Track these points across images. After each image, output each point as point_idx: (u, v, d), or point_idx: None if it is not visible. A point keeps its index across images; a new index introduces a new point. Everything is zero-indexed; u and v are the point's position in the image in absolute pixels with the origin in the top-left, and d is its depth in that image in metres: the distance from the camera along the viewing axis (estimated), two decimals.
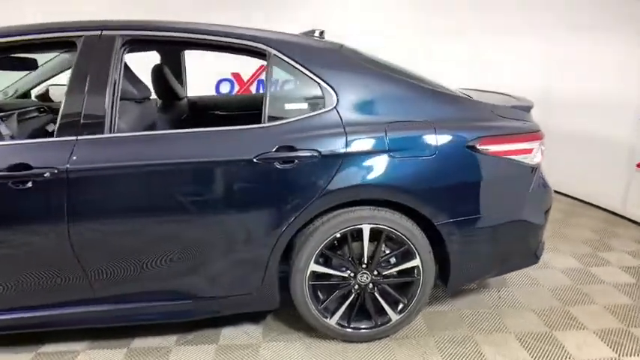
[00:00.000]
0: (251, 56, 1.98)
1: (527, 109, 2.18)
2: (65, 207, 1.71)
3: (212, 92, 6.24)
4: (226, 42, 1.91)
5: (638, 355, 1.96)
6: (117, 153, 1.75)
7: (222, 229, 1.83)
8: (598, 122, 3.56)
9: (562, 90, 3.91)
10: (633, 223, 3.42)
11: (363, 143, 1.84)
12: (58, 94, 3.03)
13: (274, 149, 1.79)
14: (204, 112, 3.07)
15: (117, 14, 2.11)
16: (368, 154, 1.84)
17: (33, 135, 2.28)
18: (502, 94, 2.44)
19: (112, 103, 1.78)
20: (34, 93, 3.01)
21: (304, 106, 1.91)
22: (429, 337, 2.08)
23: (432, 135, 1.88)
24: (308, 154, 1.79)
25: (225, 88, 6.23)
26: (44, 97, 3.05)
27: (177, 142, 1.81)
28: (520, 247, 2.14)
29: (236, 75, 6.18)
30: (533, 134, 2.03)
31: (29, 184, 1.68)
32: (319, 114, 1.87)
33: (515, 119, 2.08)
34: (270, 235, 1.85)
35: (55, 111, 2.57)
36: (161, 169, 1.77)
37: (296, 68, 1.90)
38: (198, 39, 1.90)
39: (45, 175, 1.67)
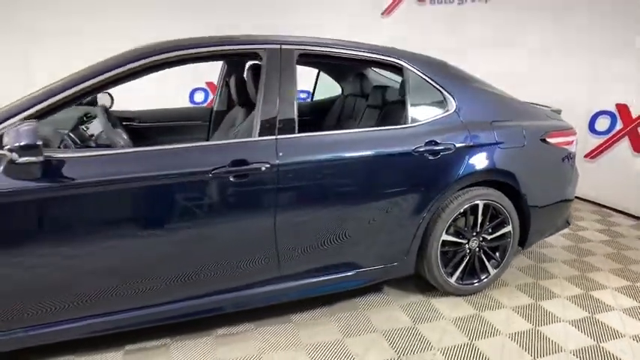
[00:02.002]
0: (389, 70, 2.44)
1: (559, 112, 2.96)
2: (274, 196, 1.98)
3: (186, 101, 6.26)
4: (370, 57, 2.34)
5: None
6: (309, 150, 2.06)
7: (386, 209, 2.24)
8: None
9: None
10: (587, 202, 4.48)
11: (481, 137, 2.41)
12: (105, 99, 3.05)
13: (424, 143, 2.27)
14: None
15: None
16: (485, 145, 2.41)
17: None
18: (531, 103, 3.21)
19: (296, 107, 2.09)
20: None
21: (433, 109, 2.42)
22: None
23: (521, 131, 2.53)
24: (448, 147, 2.31)
25: (199, 97, 6.28)
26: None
27: (351, 140, 2.19)
28: (563, 215, 2.89)
29: (210, 84, 6.28)
30: (572, 130, 2.80)
31: (247, 178, 1.92)
32: (446, 116, 2.40)
33: (558, 119, 2.84)
34: (419, 213, 2.31)
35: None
36: (345, 162, 2.13)
37: (424, 79, 2.41)
38: (352, 55, 2.30)
39: (262, 169, 1.93)
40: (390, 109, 2.91)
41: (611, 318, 2.43)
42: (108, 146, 2.09)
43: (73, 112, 2.37)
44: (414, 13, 5.89)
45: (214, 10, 5.79)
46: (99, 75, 1.80)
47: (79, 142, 2.07)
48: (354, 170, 2.16)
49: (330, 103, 3.69)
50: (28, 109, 1.70)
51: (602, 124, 4.29)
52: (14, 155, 1.54)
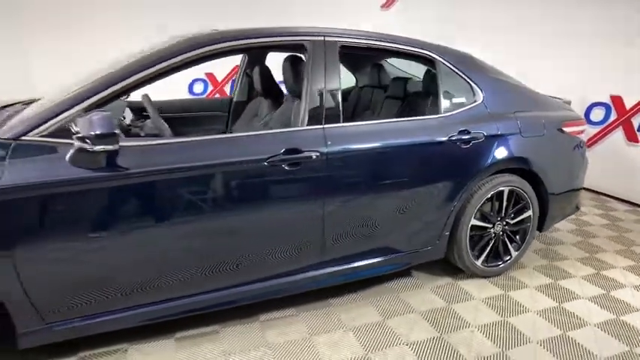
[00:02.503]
0: (421, 62, 2.53)
1: (569, 102, 3.12)
2: (323, 184, 2.05)
3: (185, 92, 6.20)
4: (405, 49, 2.42)
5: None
6: (354, 139, 2.14)
7: (423, 195, 2.34)
8: None
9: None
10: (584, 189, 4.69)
11: (507, 127, 2.53)
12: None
13: (457, 132, 2.37)
14: None
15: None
16: (509, 134, 2.54)
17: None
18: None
19: (340, 97, 2.16)
20: None
21: (463, 100, 2.53)
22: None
23: (541, 120, 2.67)
24: (479, 135, 2.42)
25: (198, 88, 6.24)
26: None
27: (390, 129, 2.27)
28: (575, 200, 3.06)
29: (210, 75, 6.25)
30: (583, 120, 2.97)
31: (299, 166, 1.98)
32: (475, 106, 2.51)
33: (570, 110, 3.00)
34: (452, 199, 2.42)
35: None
36: (385, 151, 2.21)
37: (454, 71, 2.51)
38: (388, 47, 2.38)
39: (312, 157, 1.99)
40: (412, 100, 3.01)
41: (625, 294, 2.61)
42: (156, 135, 2.11)
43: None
44: (413, 4, 6.01)
45: (215, 4, 5.75)
46: (155, 65, 1.82)
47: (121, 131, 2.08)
48: (394, 158, 2.24)
49: (345, 93, 3.75)
50: (89, 98, 1.70)
51: (597, 114, 4.51)
52: (85, 144, 1.55)
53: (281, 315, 2.30)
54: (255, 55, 3.22)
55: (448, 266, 2.75)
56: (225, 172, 1.85)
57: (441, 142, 2.33)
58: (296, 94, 2.34)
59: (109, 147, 1.56)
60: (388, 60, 3.75)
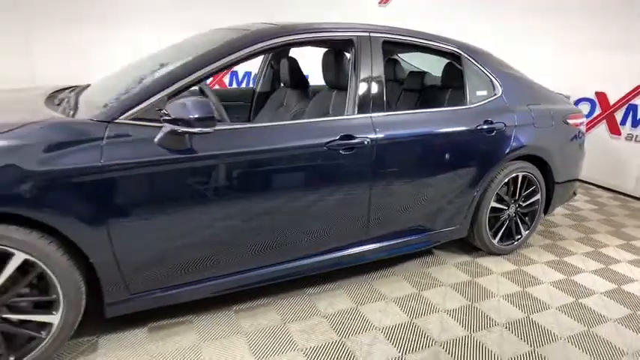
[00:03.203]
0: (448, 58, 2.76)
1: (568, 97, 3.44)
2: (371, 167, 2.25)
3: None
4: (435, 45, 2.65)
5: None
6: (397, 127, 2.34)
7: (454, 179, 2.58)
8: None
9: None
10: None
11: (523, 118, 2.80)
12: None
13: (482, 122, 2.62)
14: None
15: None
16: (524, 125, 2.81)
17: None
18: None
19: (384, 88, 2.36)
20: None
21: (485, 92, 2.77)
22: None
23: (550, 112, 2.96)
24: (500, 125, 2.68)
25: None
26: None
27: (426, 119, 2.50)
28: (574, 187, 3.38)
29: None
30: (582, 113, 3.28)
31: (352, 151, 2.17)
32: (495, 99, 2.76)
33: (569, 104, 3.31)
34: (478, 182, 2.67)
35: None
36: (423, 138, 2.43)
37: (477, 66, 2.75)
38: (420, 42, 2.59)
39: (364, 142, 2.19)
40: (430, 92, 3.24)
41: (622, 268, 2.95)
42: (219, 121, 2.25)
43: None
44: (411, 0, 6.24)
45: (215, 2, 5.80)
46: (227, 55, 1.96)
47: None
48: (430, 145, 2.47)
49: None
50: (172, 85, 1.83)
51: (583, 109, 4.89)
52: (177, 126, 1.68)
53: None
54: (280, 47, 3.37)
55: (464, 245, 3.01)
56: (294, 154, 2.03)
57: (470, 131, 2.58)
58: (334, 85, 2.52)
59: (207, 129, 1.71)
60: (400, 55, 3.97)
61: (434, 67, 3.45)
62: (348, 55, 2.44)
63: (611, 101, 4.67)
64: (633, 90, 4.47)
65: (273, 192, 2.03)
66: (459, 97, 2.76)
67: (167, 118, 1.71)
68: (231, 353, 1.93)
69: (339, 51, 2.52)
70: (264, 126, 2.03)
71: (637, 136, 4.49)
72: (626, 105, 4.54)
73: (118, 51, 4.84)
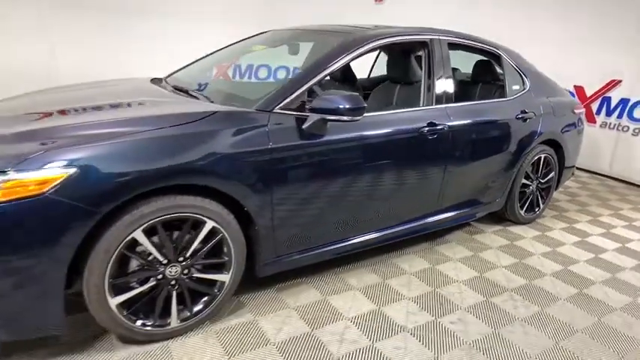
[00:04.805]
0: (489, 57, 3.26)
1: (567, 90, 4.08)
2: (447, 149, 2.71)
3: None
4: (479, 46, 3.14)
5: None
6: (464, 116, 2.81)
7: (501, 160, 3.10)
8: None
9: None
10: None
11: (546, 108, 3.37)
12: None
13: (520, 112, 3.15)
14: None
15: None
16: (548, 114, 3.38)
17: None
18: None
19: (452, 82, 2.82)
20: None
21: (518, 87, 3.31)
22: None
23: (564, 104, 3.56)
24: (532, 114, 3.23)
25: None
26: None
27: (483, 109, 2.99)
28: (572, 169, 4.03)
29: None
30: (581, 104, 3.93)
31: (435, 136, 2.61)
32: (526, 92, 3.31)
33: (569, 96, 3.95)
34: (516, 162, 3.21)
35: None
36: (483, 125, 2.92)
37: (511, 64, 3.28)
38: (470, 44, 3.07)
39: (444, 129, 2.64)
40: (462, 87, 3.74)
41: (621, 231, 3.63)
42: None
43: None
44: None
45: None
46: (344, 55, 2.33)
47: None
48: (486, 130, 2.96)
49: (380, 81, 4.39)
50: (310, 80, 2.18)
51: None
52: (325, 115, 2.04)
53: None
54: None
55: (488, 219, 3.55)
56: (402, 138, 2.47)
57: (512, 119, 3.10)
58: (399, 80, 2.96)
59: (358, 118, 2.07)
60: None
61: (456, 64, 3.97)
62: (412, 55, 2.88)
63: (588, 94, 5.42)
64: (607, 84, 5.24)
65: (387, 169, 2.44)
66: (494, 91, 3.29)
67: (314, 107, 2.06)
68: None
69: (407, 51, 2.95)
70: (386, 114, 2.47)
71: (610, 124, 5.28)
72: (601, 97, 5.31)
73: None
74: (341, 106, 2.02)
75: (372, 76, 4.61)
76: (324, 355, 1.92)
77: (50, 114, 2.01)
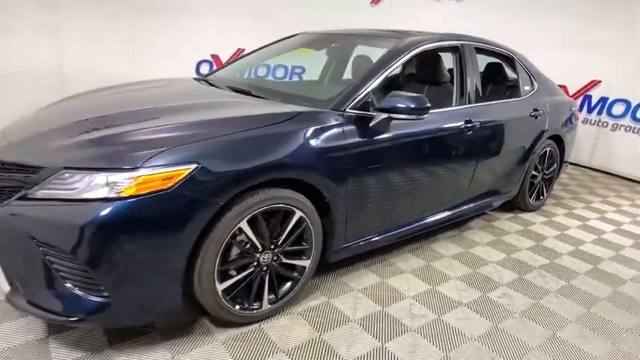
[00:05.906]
0: (503, 60, 3.59)
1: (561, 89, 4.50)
2: (478, 144, 3.00)
3: (192, 72, 6.42)
4: (496, 50, 3.46)
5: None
6: (491, 114, 3.11)
7: (519, 153, 3.43)
8: None
9: None
10: None
11: (552, 107, 3.74)
12: None
13: (532, 110, 3.50)
14: None
15: None
16: (553, 112, 3.75)
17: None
18: None
19: (480, 83, 3.12)
20: None
21: (529, 87, 3.66)
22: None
23: (564, 102, 3.96)
24: (541, 112, 3.58)
25: (204, 69, 6.50)
26: None
27: (505, 107, 3.31)
28: (566, 164, 4.44)
29: (215, 57, 6.56)
30: (575, 102, 4.35)
31: (471, 132, 2.90)
32: (535, 92, 3.67)
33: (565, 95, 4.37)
34: (529, 155, 3.56)
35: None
36: (504, 122, 3.23)
37: (522, 67, 3.63)
38: (489, 48, 3.39)
39: (477, 126, 2.93)
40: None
41: (614, 215, 4.07)
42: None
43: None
44: (402, 0, 6.98)
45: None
46: (398, 58, 2.57)
47: None
48: (508, 126, 3.27)
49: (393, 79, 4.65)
50: (372, 83, 2.40)
51: None
52: (390, 114, 2.27)
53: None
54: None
55: (500, 208, 3.90)
56: (448, 134, 2.76)
57: (527, 116, 3.44)
58: (428, 81, 3.23)
59: (423, 117, 2.31)
60: None
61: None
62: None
63: (571, 92, 5.91)
64: (588, 84, 5.74)
65: (437, 161, 2.72)
66: (504, 91, 3.62)
67: (383, 107, 2.28)
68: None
69: (436, 55, 3.21)
70: (439, 112, 2.73)
71: (591, 119, 5.79)
72: (583, 95, 5.81)
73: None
74: (409, 106, 2.25)
75: None
76: (402, 328, 2.16)
77: (141, 115, 2.13)
